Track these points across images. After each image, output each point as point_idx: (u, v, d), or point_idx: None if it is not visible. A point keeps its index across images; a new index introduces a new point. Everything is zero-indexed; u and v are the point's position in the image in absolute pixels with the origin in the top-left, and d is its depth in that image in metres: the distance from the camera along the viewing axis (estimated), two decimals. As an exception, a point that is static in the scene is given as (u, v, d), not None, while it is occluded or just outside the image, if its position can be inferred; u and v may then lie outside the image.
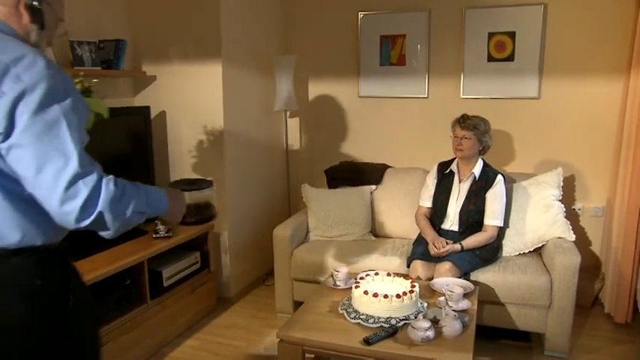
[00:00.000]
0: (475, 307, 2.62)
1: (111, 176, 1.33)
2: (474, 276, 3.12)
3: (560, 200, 3.43)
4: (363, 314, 2.46)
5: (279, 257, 3.55)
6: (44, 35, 1.43)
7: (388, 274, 2.75)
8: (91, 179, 1.26)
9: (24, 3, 1.37)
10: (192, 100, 3.68)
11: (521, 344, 3.24)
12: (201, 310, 3.63)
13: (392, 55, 4.15)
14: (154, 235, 3.29)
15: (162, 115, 3.76)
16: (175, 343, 3.31)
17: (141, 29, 3.71)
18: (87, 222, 1.27)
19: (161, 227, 3.30)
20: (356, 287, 2.58)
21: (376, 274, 2.77)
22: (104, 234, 1.34)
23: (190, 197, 1.72)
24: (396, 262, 3.33)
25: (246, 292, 4.07)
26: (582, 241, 3.80)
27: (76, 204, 1.24)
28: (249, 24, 3.94)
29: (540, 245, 3.35)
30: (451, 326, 2.32)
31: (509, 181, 3.48)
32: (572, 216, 3.78)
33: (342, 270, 2.90)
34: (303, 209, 3.98)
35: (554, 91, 3.81)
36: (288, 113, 4.37)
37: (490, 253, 3.23)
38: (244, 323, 3.59)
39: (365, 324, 2.40)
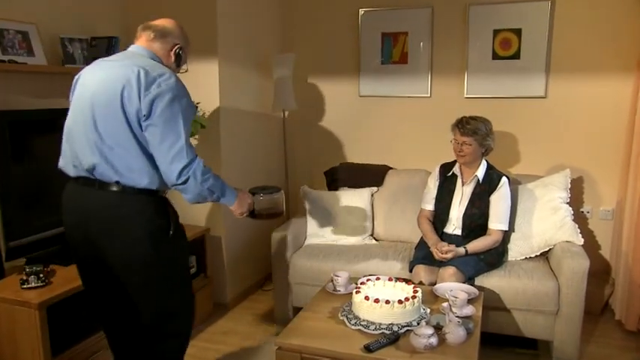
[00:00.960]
0: (480, 313, 2.59)
1: (202, 159, 2.11)
2: (478, 281, 3.10)
3: (567, 203, 3.41)
4: (363, 320, 2.44)
5: (277, 261, 3.53)
6: (177, 69, 2.35)
7: (390, 279, 2.73)
8: (191, 153, 2.07)
9: (174, 50, 2.30)
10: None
11: (528, 352, 3.22)
12: (197, 316, 3.55)
13: (393, 53, 4.14)
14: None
15: (157, 114, 3.74)
16: (170, 350, 3.28)
17: (134, 25, 3.62)
18: (181, 180, 2.05)
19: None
20: (357, 292, 2.56)
21: (377, 279, 2.75)
22: (186, 197, 2.12)
23: (263, 199, 2.50)
24: (398, 267, 3.31)
25: (243, 298, 4.05)
26: (591, 245, 3.77)
27: (179, 165, 2.04)
28: (247, 21, 3.92)
29: (547, 249, 3.33)
30: (455, 333, 2.30)
31: (514, 183, 3.47)
32: (580, 219, 3.76)
33: (343, 275, 2.89)
34: (302, 212, 3.96)
35: (561, 90, 3.79)
36: (286, 113, 4.35)
37: (495, 257, 3.21)
38: (241, 330, 3.57)
39: (366, 330, 2.38)
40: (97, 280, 2.25)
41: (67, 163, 2.22)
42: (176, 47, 2.30)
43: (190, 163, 2.06)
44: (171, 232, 2.19)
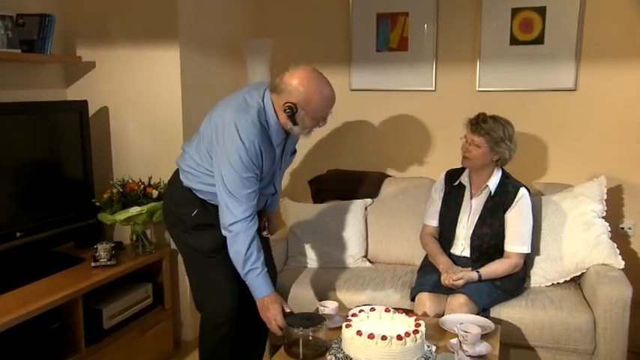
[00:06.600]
0: (496, 351, 2.57)
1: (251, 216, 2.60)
2: (494, 312, 3.09)
3: (603, 217, 3.41)
4: (355, 360, 2.42)
5: (251, 290, 3.48)
6: (299, 130, 2.68)
7: (387, 310, 2.70)
8: (234, 216, 2.57)
9: (284, 108, 2.59)
10: (142, 93, 3.68)
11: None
12: (155, 358, 3.59)
13: (391, 37, 4.16)
14: (92, 264, 3.25)
15: (104, 111, 3.73)
16: (118, 400, 3.21)
17: (75, 1, 3.65)
18: (225, 233, 2.59)
19: (102, 252, 3.24)
20: (347, 326, 2.53)
21: (372, 309, 2.72)
22: None
23: (302, 333, 2.51)
24: (397, 295, 3.31)
25: (210, 335, 3.97)
26: (634, 269, 3.70)
27: (225, 221, 2.59)
28: (214, -2, 3.90)
29: (579, 274, 3.33)
30: (466, 376, 2.27)
31: (537, 194, 3.48)
32: (620, 237, 3.76)
33: (331, 305, 2.88)
34: (282, 229, 3.95)
35: (594, 81, 3.80)
36: (263, 110, 4.31)
37: (514, 283, 3.19)
38: (207, 374, 3.49)
39: (358, 373, 2.36)
40: None
41: None
42: (286, 105, 2.56)
43: (234, 223, 2.54)
44: (190, 223, 2.71)
